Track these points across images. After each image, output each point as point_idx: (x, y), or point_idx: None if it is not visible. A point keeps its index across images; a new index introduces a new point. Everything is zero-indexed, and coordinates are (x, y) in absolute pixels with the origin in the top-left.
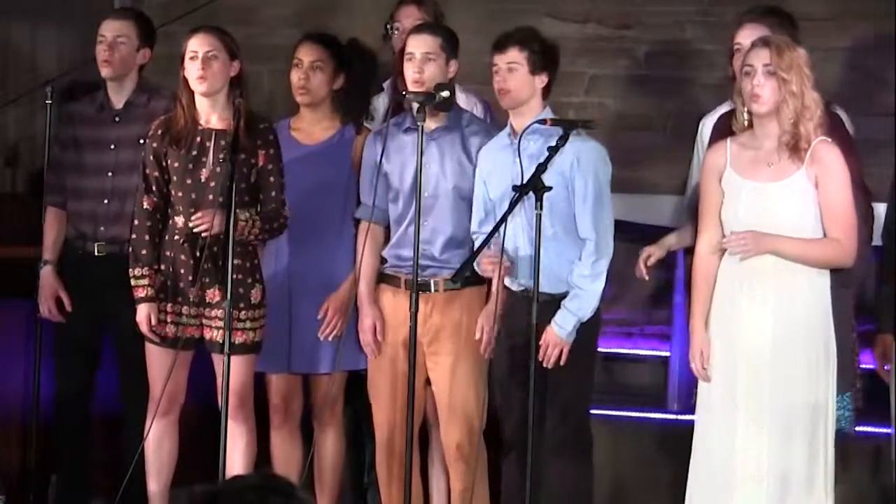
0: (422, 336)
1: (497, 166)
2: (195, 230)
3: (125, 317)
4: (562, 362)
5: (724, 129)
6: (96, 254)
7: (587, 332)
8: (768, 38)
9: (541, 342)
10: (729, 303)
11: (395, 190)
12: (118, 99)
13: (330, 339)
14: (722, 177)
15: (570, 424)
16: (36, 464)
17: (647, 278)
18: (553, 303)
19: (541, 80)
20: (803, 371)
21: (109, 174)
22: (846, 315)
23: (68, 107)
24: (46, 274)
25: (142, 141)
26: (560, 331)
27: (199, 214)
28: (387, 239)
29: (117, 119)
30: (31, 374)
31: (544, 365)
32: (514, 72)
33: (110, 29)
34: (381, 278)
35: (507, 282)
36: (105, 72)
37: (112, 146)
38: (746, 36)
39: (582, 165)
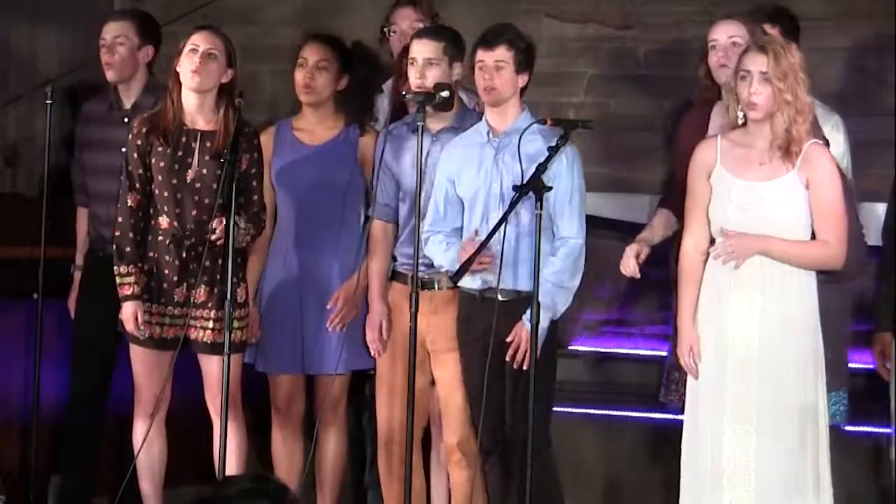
0: (425, 334)
1: (468, 165)
2: (219, 243)
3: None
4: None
5: (698, 124)
6: None
7: (553, 334)
8: (765, 42)
9: (509, 339)
10: (717, 302)
11: (404, 189)
12: (127, 100)
13: (338, 330)
14: (711, 173)
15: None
16: (36, 464)
17: (638, 276)
18: (519, 301)
19: (522, 80)
20: (792, 371)
21: (122, 177)
22: (842, 311)
23: (83, 107)
24: (77, 279)
25: (139, 142)
26: (530, 328)
27: (218, 227)
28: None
29: (126, 120)
30: (31, 374)
31: (514, 366)
32: (501, 70)
33: (109, 31)
34: (392, 276)
35: (467, 281)
36: (109, 75)
37: (122, 148)
38: (721, 32)
39: (568, 166)
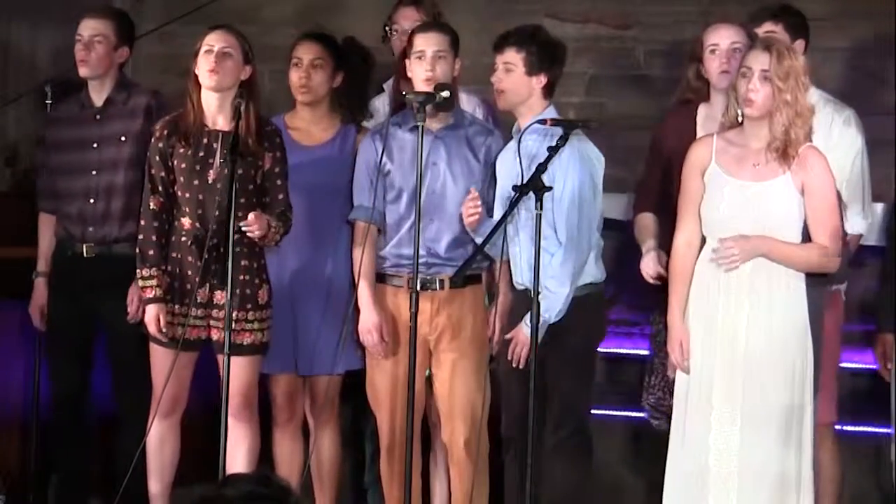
0: (428, 335)
1: (503, 167)
2: (248, 234)
3: (116, 317)
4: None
5: (679, 125)
6: (85, 255)
7: (588, 333)
8: (769, 42)
9: (508, 337)
10: (705, 301)
11: (398, 189)
12: (98, 97)
13: (332, 330)
14: (705, 171)
15: (568, 425)
16: (36, 464)
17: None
18: None
19: (539, 81)
20: (779, 372)
21: (93, 172)
22: (817, 315)
23: (54, 109)
24: (39, 285)
25: (123, 139)
26: (528, 329)
27: (250, 219)
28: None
29: (98, 117)
30: (30, 374)
31: (513, 364)
32: (510, 73)
33: (87, 28)
34: (381, 278)
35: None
36: (82, 71)
37: (94, 144)
38: (724, 37)
39: (562, 166)
